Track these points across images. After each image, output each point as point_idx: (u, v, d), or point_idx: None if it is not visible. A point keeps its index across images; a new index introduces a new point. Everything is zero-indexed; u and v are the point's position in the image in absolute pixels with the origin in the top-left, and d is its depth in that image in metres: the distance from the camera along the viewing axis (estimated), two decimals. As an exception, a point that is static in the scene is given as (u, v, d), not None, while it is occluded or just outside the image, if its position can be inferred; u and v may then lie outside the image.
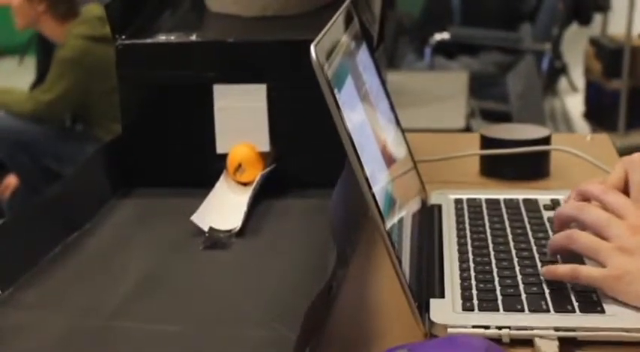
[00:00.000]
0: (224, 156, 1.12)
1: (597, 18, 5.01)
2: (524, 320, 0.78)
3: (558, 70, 4.73)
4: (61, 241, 0.98)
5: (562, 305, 0.80)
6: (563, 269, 0.83)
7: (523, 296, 0.82)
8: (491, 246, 0.93)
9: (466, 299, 0.82)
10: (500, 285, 0.84)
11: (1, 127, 3.15)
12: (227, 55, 1.12)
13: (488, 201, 1.06)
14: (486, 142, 1.21)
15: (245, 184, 1.11)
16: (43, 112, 3.12)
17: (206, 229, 0.99)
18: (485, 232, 0.97)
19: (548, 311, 0.79)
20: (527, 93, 3.92)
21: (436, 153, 1.23)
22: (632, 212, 0.84)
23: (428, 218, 1.02)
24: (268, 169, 1.11)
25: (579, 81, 4.87)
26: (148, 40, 1.14)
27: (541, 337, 0.76)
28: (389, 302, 0.86)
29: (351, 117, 0.77)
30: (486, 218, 1.01)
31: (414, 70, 4.13)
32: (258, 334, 0.78)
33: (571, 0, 4.40)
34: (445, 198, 1.08)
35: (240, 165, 1.10)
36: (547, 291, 0.82)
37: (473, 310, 0.80)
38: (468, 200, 1.06)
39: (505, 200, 1.06)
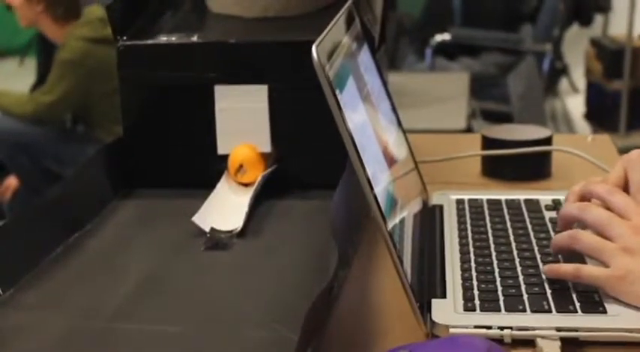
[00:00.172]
0: (225, 157, 1.12)
1: (598, 19, 5.01)
2: (526, 321, 0.78)
3: (559, 70, 4.73)
4: (61, 242, 0.98)
5: (564, 306, 0.80)
6: (566, 267, 0.83)
7: (525, 296, 0.82)
8: (492, 246, 0.93)
9: (468, 299, 0.82)
10: (501, 286, 0.84)
11: (2, 129, 3.14)
12: (228, 56, 1.12)
13: (489, 201, 1.06)
14: (488, 143, 1.21)
15: (246, 185, 1.11)
16: (43, 114, 3.12)
17: (207, 230, 0.99)
18: (486, 232, 0.97)
19: (550, 311, 0.79)
20: (528, 94, 3.92)
21: (437, 154, 1.23)
22: (636, 212, 0.83)
23: (429, 218, 1.02)
24: (269, 170, 1.11)
25: (580, 82, 4.87)
26: (149, 41, 1.14)
27: (543, 337, 0.76)
28: (390, 302, 0.86)
29: (352, 118, 0.77)
30: (488, 218, 1.01)
31: (414, 71, 4.13)
32: (259, 335, 0.78)
33: (572, 1, 4.40)
34: (446, 199, 1.08)
35: (241, 166, 1.10)
36: (549, 291, 0.82)
37: (474, 310, 0.80)
38: (470, 200, 1.06)
39: (506, 200, 1.06)
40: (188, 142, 1.14)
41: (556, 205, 1.03)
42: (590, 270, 0.82)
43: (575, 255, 0.86)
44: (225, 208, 1.05)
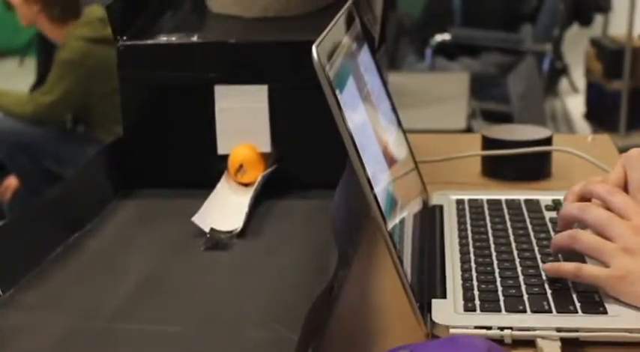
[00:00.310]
0: (225, 157, 1.12)
1: (598, 19, 5.01)
2: (526, 321, 0.78)
3: (559, 70, 4.73)
4: (62, 242, 0.98)
5: (564, 306, 0.80)
6: (567, 266, 0.83)
7: (525, 296, 0.82)
8: (492, 246, 0.93)
9: (468, 299, 0.82)
10: (502, 286, 0.84)
11: (2, 129, 3.14)
12: (228, 56, 1.12)
13: (489, 201, 1.06)
14: (488, 143, 1.21)
15: (246, 185, 1.11)
16: (43, 114, 3.12)
17: (207, 230, 0.99)
18: (486, 233, 0.97)
19: (550, 311, 0.79)
20: (528, 94, 3.92)
21: (437, 154, 1.23)
22: (636, 212, 0.83)
23: (429, 218, 1.02)
24: (269, 170, 1.11)
25: (580, 82, 4.87)
26: (149, 41, 1.14)
27: (543, 338, 0.76)
28: (390, 302, 0.86)
29: (352, 118, 0.77)
30: (488, 218, 1.01)
31: (414, 71, 4.13)
32: (260, 335, 0.78)
33: (572, 1, 4.40)
34: (446, 199, 1.08)
35: (241, 166, 1.10)
36: (549, 292, 0.82)
37: (475, 311, 0.80)
38: (470, 200, 1.06)
39: (507, 200, 1.06)
40: (188, 142, 1.14)
41: (556, 205, 1.03)
42: (590, 270, 0.82)
43: (575, 255, 0.86)
44: (225, 208, 1.05)
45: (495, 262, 0.89)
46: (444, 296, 0.83)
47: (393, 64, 4.13)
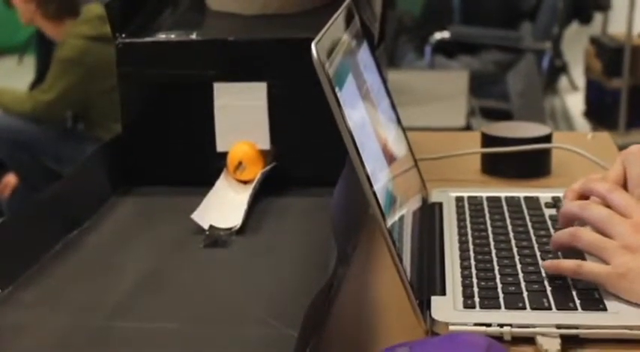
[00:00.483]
0: (224, 155, 1.12)
1: (598, 17, 5.02)
2: (525, 318, 0.78)
3: (559, 68, 4.73)
4: (60, 239, 0.98)
5: (564, 303, 0.80)
6: (567, 263, 0.83)
7: (525, 293, 0.81)
8: (492, 243, 0.93)
9: (467, 296, 0.81)
10: (501, 283, 0.84)
11: (1, 126, 3.14)
12: (227, 54, 1.12)
13: (489, 198, 1.06)
14: (487, 140, 1.21)
15: (245, 182, 1.11)
16: (42, 112, 3.12)
17: (206, 227, 0.99)
18: (486, 230, 0.97)
19: (550, 308, 0.79)
20: (528, 91, 3.92)
21: (437, 152, 1.23)
22: (636, 210, 0.83)
23: (429, 216, 1.02)
24: (269, 167, 1.11)
25: (579, 80, 4.87)
26: (148, 39, 1.13)
27: (543, 335, 0.76)
28: (390, 300, 0.86)
29: (352, 116, 0.77)
30: (487, 216, 1.01)
31: (414, 69, 4.13)
32: (259, 332, 0.78)
33: (571, -1, 4.41)
34: (446, 196, 1.07)
35: (240, 163, 1.10)
36: (549, 289, 0.82)
37: (474, 308, 0.80)
38: (469, 198, 1.06)
39: (506, 198, 1.05)
40: (187, 140, 1.14)
41: (556, 203, 1.02)
42: (590, 267, 0.82)
43: (574, 253, 0.86)
44: (224, 205, 1.05)
45: (495, 259, 0.89)
46: (443, 293, 0.83)
47: (392, 62, 4.13)
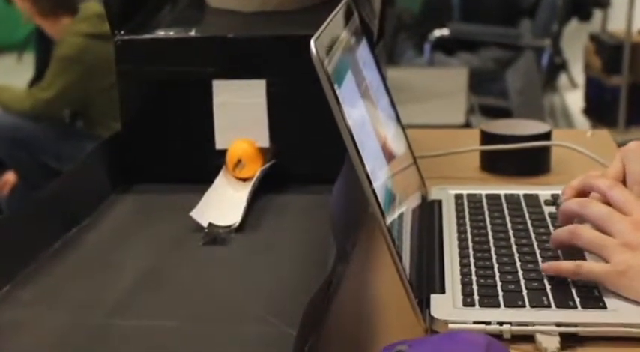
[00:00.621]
0: (223, 152, 1.11)
1: (597, 14, 5.01)
2: (525, 316, 0.78)
3: (558, 66, 4.73)
4: (59, 237, 0.97)
5: (563, 301, 0.79)
6: (566, 265, 0.83)
7: (524, 291, 0.81)
8: (491, 241, 0.93)
9: (467, 294, 0.81)
10: (501, 281, 0.83)
11: (1, 124, 3.14)
12: (226, 51, 1.11)
13: (488, 196, 1.06)
14: (487, 138, 1.21)
15: (244, 180, 1.11)
16: (41, 110, 3.11)
17: (205, 225, 0.99)
18: (485, 227, 0.97)
19: (549, 306, 0.79)
20: (527, 89, 3.91)
21: (436, 149, 1.23)
22: (636, 208, 0.83)
23: (428, 213, 1.02)
24: (268, 165, 1.11)
25: (579, 77, 4.87)
26: (147, 36, 1.13)
27: (542, 332, 0.76)
28: (389, 298, 0.85)
29: (351, 113, 0.77)
30: (487, 213, 1.01)
31: (413, 66, 4.13)
32: (258, 330, 0.77)
33: (571, -4, 4.41)
34: (445, 194, 1.07)
35: (239, 161, 1.10)
36: (548, 287, 0.82)
37: (474, 306, 0.80)
38: (469, 195, 1.06)
39: (506, 195, 1.05)
40: (186, 137, 1.14)
41: (555, 200, 1.02)
42: (590, 266, 0.82)
43: (574, 250, 0.86)
44: (224, 203, 1.05)
45: (494, 257, 0.89)
46: (442, 291, 0.83)
47: (391, 60, 4.12)
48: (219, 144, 1.12)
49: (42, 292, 0.86)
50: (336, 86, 0.74)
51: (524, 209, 1.01)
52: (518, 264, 0.87)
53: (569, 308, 0.79)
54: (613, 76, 4.31)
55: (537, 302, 0.79)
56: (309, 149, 1.11)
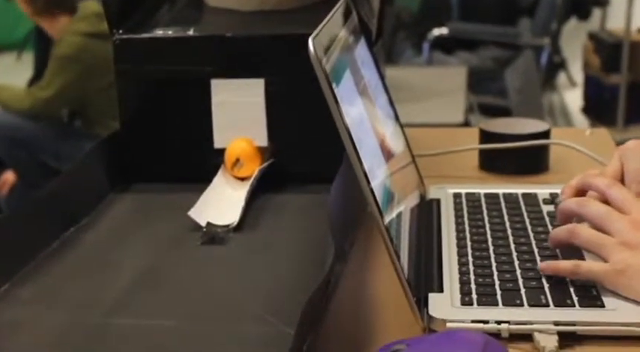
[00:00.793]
0: (222, 151, 1.11)
1: (596, 13, 5.01)
2: (523, 315, 0.78)
3: (557, 64, 4.73)
4: (58, 236, 0.97)
5: (561, 300, 0.79)
6: (564, 264, 0.83)
7: (522, 290, 0.81)
8: (490, 240, 0.93)
9: (465, 293, 0.81)
10: (499, 280, 0.83)
11: (0, 123, 3.14)
12: (225, 50, 1.11)
13: (487, 195, 1.06)
14: (485, 136, 1.21)
15: (243, 179, 1.10)
16: (40, 109, 3.11)
17: (203, 224, 0.99)
18: (484, 226, 0.97)
19: (547, 305, 0.79)
20: (526, 88, 3.91)
21: (435, 148, 1.23)
22: (635, 207, 0.83)
23: (426, 212, 1.02)
24: (266, 164, 1.10)
25: (578, 76, 4.87)
26: (146, 35, 1.13)
27: (540, 331, 0.76)
28: (387, 297, 0.85)
29: (349, 112, 0.77)
30: (485, 212, 1.01)
31: (412, 65, 4.13)
32: (256, 329, 0.77)
33: (570, -5, 4.40)
34: (444, 193, 1.07)
35: (237, 160, 1.10)
36: (546, 286, 0.82)
37: (472, 305, 0.80)
38: (467, 194, 1.06)
39: (504, 194, 1.05)
40: (185, 136, 1.14)
41: (554, 199, 1.02)
42: (588, 266, 0.82)
43: (573, 250, 0.86)
44: (222, 202, 1.05)
45: (492, 256, 0.89)
46: (441, 290, 0.83)
47: (390, 58, 4.12)
48: (217, 143, 1.12)
49: (40, 291, 0.86)
50: (334, 85, 0.74)
51: (523, 208, 1.01)
52: (516, 263, 0.87)
53: (567, 307, 0.79)
54: (612, 74, 4.31)
55: (535, 301, 0.79)
56: (307, 148, 1.11)
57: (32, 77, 3.48)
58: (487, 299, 0.80)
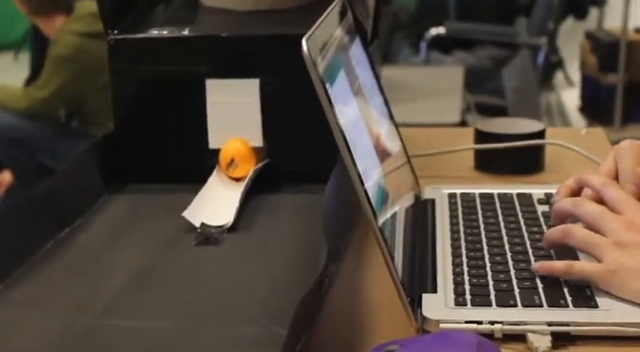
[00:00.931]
0: (217, 151, 1.11)
1: (593, 12, 5.01)
2: (516, 315, 0.77)
3: (554, 64, 4.72)
4: (52, 237, 0.97)
5: (555, 300, 0.79)
6: (558, 265, 0.83)
7: (516, 291, 0.81)
8: (484, 240, 0.93)
9: (459, 294, 0.81)
10: (493, 280, 0.83)
11: (-1, 124, 3.14)
12: (220, 50, 1.11)
13: (482, 195, 1.05)
14: (481, 136, 1.21)
15: (237, 179, 1.10)
16: (37, 109, 3.11)
17: (198, 225, 0.99)
18: (478, 227, 0.96)
19: (541, 305, 0.79)
20: (523, 87, 3.91)
21: (431, 148, 1.23)
22: (630, 207, 0.83)
23: (421, 213, 1.02)
24: (261, 164, 1.10)
25: (575, 75, 4.87)
26: (140, 35, 1.13)
27: (534, 332, 0.76)
28: (381, 297, 0.85)
29: (343, 112, 0.77)
30: (480, 212, 1.01)
31: (409, 64, 4.13)
32: (250, 330, 0.77)
33: (567, -6, 4.40)
34: (439, 193, 1.07)
35: (232, 160, 1.10)
36: (540, 286, 0.82)
37: (465, 305, 0.80)
38: (462, 194, 1.06)
39: (499, 194, 1.05)
40: (179, 136, 1.13)
41: (548, 199, 1.02)
42: (582, 266, 0.82)
43: (567, 250, 0.86)
44: (217, 203, 1.04)
45: (487, 256, 0.89)
46: (434, 290, 0.83)
47: (387, 58, 4.12)
48: (212, 144, 1.12)
49: (34, 292, 0.86)
50: (328, 85, 0.74)
51: (518, 208, 1.01)
52: (510, 263, 0.87)
53: (561, 308, 0.78)
54: (609, 74, 4.31)
55: (529, 302, 0.79)
56: (302, 148, 1.11)
57: (29, 77, 3.47)
58: (481, 299, 0.80)
